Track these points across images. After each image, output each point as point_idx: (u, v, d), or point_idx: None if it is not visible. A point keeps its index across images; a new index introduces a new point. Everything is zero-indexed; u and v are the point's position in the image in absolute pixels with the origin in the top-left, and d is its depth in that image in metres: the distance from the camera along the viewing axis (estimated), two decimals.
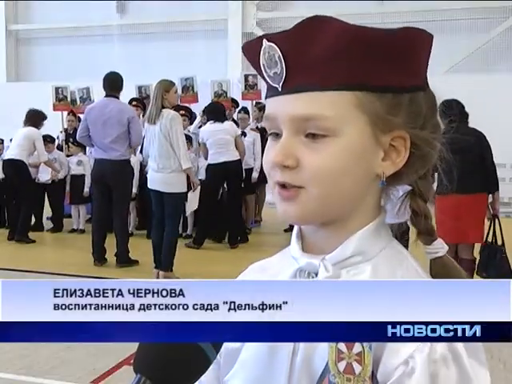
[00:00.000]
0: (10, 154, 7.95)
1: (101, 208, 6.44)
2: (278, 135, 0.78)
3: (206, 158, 7.58)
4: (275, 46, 0.75)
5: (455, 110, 4.77)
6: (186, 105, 8.95)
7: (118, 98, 6.37)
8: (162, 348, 0.67)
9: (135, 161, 8.30)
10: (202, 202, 6.92)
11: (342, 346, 0.73)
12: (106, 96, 6.37)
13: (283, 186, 0.77)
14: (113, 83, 6.38)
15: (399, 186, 0.83)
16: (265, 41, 0.76)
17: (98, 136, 6.20)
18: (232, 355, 0.85)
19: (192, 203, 6.10)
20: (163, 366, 0.66)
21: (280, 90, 0.76)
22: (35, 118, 8.01)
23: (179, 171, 5.59)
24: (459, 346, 0.71)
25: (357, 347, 0.72)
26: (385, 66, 0.74)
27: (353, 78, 0.74)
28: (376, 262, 0.79)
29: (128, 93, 9.58)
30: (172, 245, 5.80)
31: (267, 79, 0.78)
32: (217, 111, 7.55)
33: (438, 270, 0.82)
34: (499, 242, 5.06)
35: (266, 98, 0.81)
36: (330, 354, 0.73)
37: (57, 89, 10.14)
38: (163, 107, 5.55)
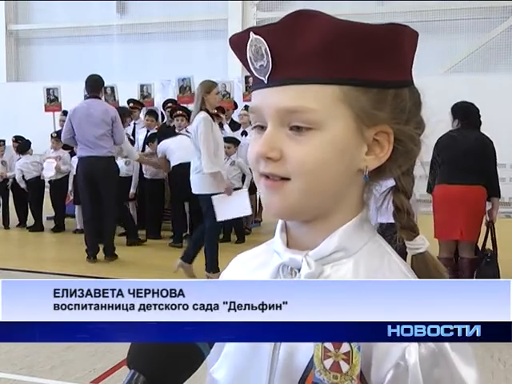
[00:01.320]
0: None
1: (91, 208, 6.70)
2: (262, 128, 0.78)
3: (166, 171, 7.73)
4: (262, 39, 0.75)
5: (469, 114, 4.83)
6: (184, 105, 8.95)
7: (99, 98, 6.79)
8: (156, 344, 0.67)
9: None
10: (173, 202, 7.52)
11: (328, 344, 0.73)
12: (89, 97, 6.71)
13: (268, 177, 0.78)
14: (95, 84, 6.73)
15: (382, 181, 0.84)
16: (252, 33, 0.76)
17: (85, 134, 6.48)
18: (218, 346, 0.85)
19: (236, 208, 5.68)
20: (157, 361, 0.66)
21: (266, 82, 0.77)
22: (122, 118, 7.47)
23: (204, 172, 5.49)
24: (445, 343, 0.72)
25: (345, 347, 0.73)
26: (370, 60, 0.74)
27: (338, 72, 0.74)
28: (358, 257, 0.79)
29: (128, 92, 9.62)
30: (210, 247, 5.73)
31: (253, 72, 0.78)
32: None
33: (419, 266, 0.82)
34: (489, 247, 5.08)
35: (251, 91, 0.81)
36: (316, 352, 0.74)
37: (48, 90, 10.03)
38: (202, 109, 5.45)
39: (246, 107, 8.74)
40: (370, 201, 0.84)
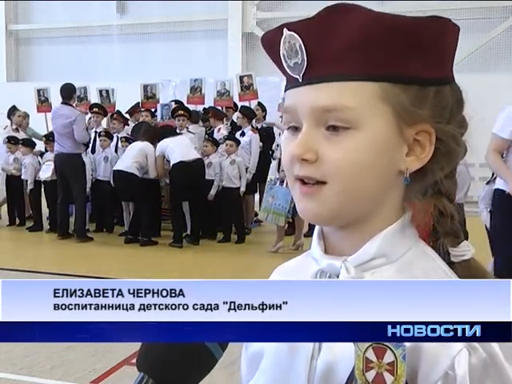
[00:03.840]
0: (121, 165, 7.74)
1: (62, 194, 7.90)
2: (297, 129, 0.75)
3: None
4: (296, 35, 0.72)
5: None
6: (193, 106, 8.98)
7: (69, 104, 7.91)
8: (165, 347, 0.66)
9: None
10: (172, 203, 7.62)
11: (370, 354, 0.69)
12: (61, 103, 7.94)
13: (303, 181, 0.74)
14: (65, 92, 7.88)
15: (425, 184, 0.79)
16: (285, 30, 0.73)
17: (56, 134, 7.93)
18: (254, 360, 0.84)
19: None
20: (166, 365, 0.65)
21: (301, 80, 0.73)
22: (151, 134, 7.84)
23: None
24: (496, 347, 0.68)
25: (388, 356, 0.68)
26: (410, 56, 0.71)
27: (377, 68, 0.71)
28: (400, 263, 0.76)
29: (128, 93, 9.61)
30: None
31: (287, 70, 0.75)
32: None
33: (465, 274, 0.78)
34: None
35: (285, 90, 0.78)
36: (357, 363, 0.69)
37: (38, 91, 9.89)
38: None
39: (242, 108, 8.73)
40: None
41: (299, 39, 0.72)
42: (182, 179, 7.39)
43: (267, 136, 8.47)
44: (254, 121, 8.58)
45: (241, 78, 9.13)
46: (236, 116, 8.63)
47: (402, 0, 11.64)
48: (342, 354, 0.72)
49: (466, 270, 0.78)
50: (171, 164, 7.55)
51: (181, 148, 7.44)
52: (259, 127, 8.63)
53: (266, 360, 0.82)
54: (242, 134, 8.23)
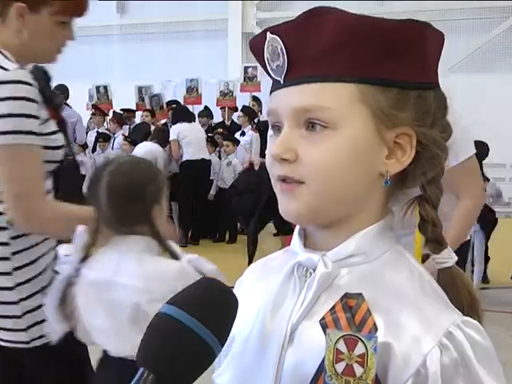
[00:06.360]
0: None
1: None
2: (279, 130, 0.76)
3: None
4: (278, 38, 0.73)
5: None
6: (189, 106, 8.96)
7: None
8: (165, 341, 0.65)
9: None
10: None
11: (341, 345, 0.69)
12: None
13: (284, 182, 0.75)
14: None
15: (407, 189, 0.79)
16: (268, 33, 0.74)
17: None
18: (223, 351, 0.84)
19: None
20: (166, 359, 0.65)
21: (282, 82, 0.75)
22: (162, 137, 7.78)
23: None
24: (467, 348, 0.68)
25: (359, 348, 0.68)
26: (388, 58, 0.72)
27: (355, 69, 0.72)
28: (377, 263, 0.76)
29: (128, 93, 9.61)
30: None
31: (271, 73, 0.76)
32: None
33: (446, 280, 0.78)
34: None
35: (270, 93, 0.79)
36: (328, 354, 0.69)
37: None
38: None
39: (243, 108, 8.73)
40: (395, 208, 0.80)
41: (280, 42, 0.73)
42: (193, 175, 7.39)
43: (265, 131, 8.44)
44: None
45: (245, 68, 9.09)
46: (237, 115, 8.61)
47: (402, 0, 11.64)
48: (313, 347, 0.72)
49: (448, 277, 0.78)
50: (185, 158, 7.50)
51: (197, 144, 7.43)
52: (256, 121, 8.61)
53: (234, 350, 0.81)
54: (242, 134, 8.22)
